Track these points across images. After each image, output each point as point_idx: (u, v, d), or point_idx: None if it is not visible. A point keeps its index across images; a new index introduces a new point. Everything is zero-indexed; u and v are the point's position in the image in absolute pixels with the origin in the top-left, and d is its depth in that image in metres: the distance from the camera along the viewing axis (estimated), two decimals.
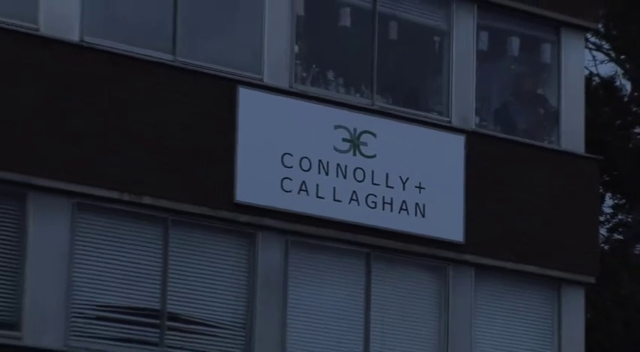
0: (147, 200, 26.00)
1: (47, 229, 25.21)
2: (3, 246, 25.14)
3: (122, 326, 25.90)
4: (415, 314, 28.78)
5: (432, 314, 28.89)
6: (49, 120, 25.81)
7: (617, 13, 39.39)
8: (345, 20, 28.88)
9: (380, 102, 28.77)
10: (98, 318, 25.75)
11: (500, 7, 30.42)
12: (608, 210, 41.21)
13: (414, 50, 30.47)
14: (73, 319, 25.30)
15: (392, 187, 28.04)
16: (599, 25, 35.18)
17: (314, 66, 28.78)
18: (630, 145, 41.09)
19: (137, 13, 27.55)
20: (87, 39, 26.18)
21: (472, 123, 29.80)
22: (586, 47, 34.67)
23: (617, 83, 43.07)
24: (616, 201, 41.65)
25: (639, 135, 42.42)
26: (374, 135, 28.03)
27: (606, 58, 43.12)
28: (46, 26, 26.12)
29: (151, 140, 26.49)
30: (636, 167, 40.04)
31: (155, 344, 26.07)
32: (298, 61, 28.40)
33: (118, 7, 27.32)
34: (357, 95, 28.75)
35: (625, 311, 35.85)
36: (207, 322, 26.91)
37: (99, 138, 26.03)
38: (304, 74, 28.42)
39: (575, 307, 30.10)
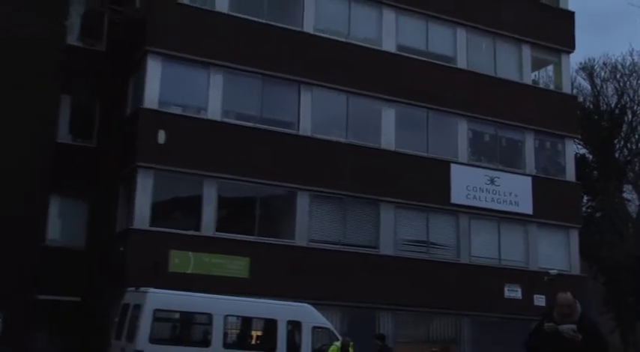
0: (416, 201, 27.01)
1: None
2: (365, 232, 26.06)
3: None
4: (515, 239, 28.54)
5: (522, 241, 28.54)
6: None
7: (584, 130, 36.49)
8: (486, 138, 29.12)
9: (501, 166, 28.72)
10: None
11: (544, 132, 29.85)
12: (585, 201, 38.42)
13: (513, 147, 29.67)
14: None
15: (506, 196, 28.30)
16: (579, 135, 33.36)
17: (478, 155, 28.78)
18: (592, 178, 38.98)
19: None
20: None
21: (533, 172, 29.34)
22: (574, 143, 32.99)
23: (587, 155, 40.99)
24: (588, 198, 39.29)
25: (596, 177, 39.89)
26: (499, 178, 28.38)
27: (581, 146, 40.73)
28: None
29: (424, 181, 26.98)
30: (595, 187, 38.45)
31: (425, 253, 26.78)
32: (471, 153, 28.44)
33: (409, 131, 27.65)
34: (492, 165, 28.57)
35: (589, 238, 34.28)
36: (442, 245, 27.52)
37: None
38: (473, 157, 28.42)
39: (574, 238, 29.63)
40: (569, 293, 7.95)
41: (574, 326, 7.68)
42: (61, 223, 24.91)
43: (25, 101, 22.89)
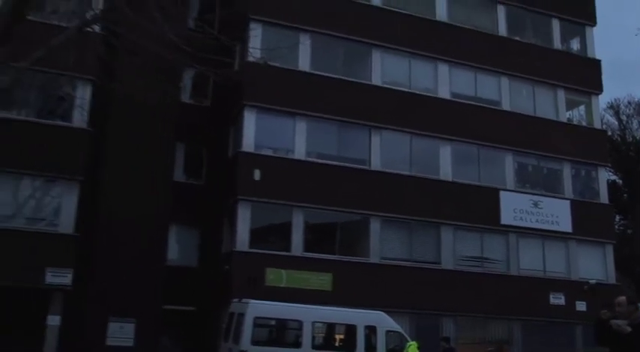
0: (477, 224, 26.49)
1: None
2: (428, 250, 26.70)
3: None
4: (557, 253, 27.34)
5: (564, 255, 27.34)
6: None
7: (614, 159, 36.52)
8: (529, 168, 28.20)
9: (543, 192, 27.67)
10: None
11: (579, 162, 28.94)
12: (617, 220, 37.37)
13: (553, 175, 28.59)
14: None
15: (548, 217, 27.37)
16: (609, 164, 31.95)
17: (523, 182, 27.82)
18: (622, 200, 38.22)
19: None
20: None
21: (571, 196, 28.23)
22: (606, 171, 31.36)
23: (617, 181, 40.36)
24: (620, 217, 38.68)
25: (626, 199, 38.76)
26: (541, 202, 27.34)
27: (612, 173, 39.70)
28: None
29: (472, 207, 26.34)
30: (626, 208, 37.51)
31: (480, 267, 25.87)
32: (517, 181, 27.47)
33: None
34: (535, 191, 27.58)
35: (622, 251, 33.30)
36: (494, 260, 26.41)
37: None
38: (519, 185, 27.53)
39: (609, 252, 28.08)
40: (624, 297, 7.74)
41: (624, 322, 7.38)
42: (178, 247, 25.04)
43: (148, 149, 23.39)
